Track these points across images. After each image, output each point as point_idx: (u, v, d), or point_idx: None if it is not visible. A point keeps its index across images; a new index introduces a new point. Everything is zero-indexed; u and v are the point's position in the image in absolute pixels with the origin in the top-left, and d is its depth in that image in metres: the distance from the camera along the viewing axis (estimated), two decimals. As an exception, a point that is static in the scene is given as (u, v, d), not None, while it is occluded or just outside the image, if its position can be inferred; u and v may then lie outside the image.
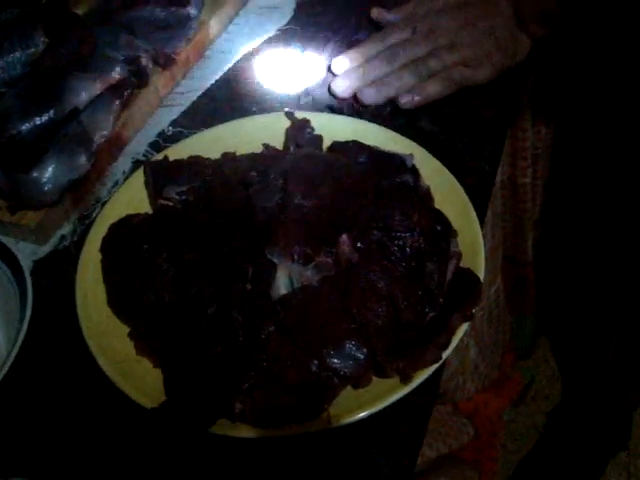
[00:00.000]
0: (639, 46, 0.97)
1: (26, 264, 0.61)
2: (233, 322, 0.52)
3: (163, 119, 0.79)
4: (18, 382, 0.54)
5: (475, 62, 0.77)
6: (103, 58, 0.75)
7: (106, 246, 0.62)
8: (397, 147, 0.67)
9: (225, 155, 0.68)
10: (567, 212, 1.38)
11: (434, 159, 0.66)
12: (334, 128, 0.70)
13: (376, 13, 0.83)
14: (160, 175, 0.65)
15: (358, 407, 0.50)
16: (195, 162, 0.66)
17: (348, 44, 0.83)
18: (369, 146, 0.66)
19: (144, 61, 0.77)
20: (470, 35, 0.77)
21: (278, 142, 0.70)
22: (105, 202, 0.69)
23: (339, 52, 0.81)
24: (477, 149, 0.72)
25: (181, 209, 0.62)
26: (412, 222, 0.56)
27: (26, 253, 0.67)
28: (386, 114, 0.75)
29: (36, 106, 0.69)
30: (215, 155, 0.68)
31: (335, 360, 0.50)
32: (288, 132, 0.70)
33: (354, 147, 0.65)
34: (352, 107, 0.76)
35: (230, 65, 0.86)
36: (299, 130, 0.69)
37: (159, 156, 0.69)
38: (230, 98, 0.81)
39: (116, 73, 0.75)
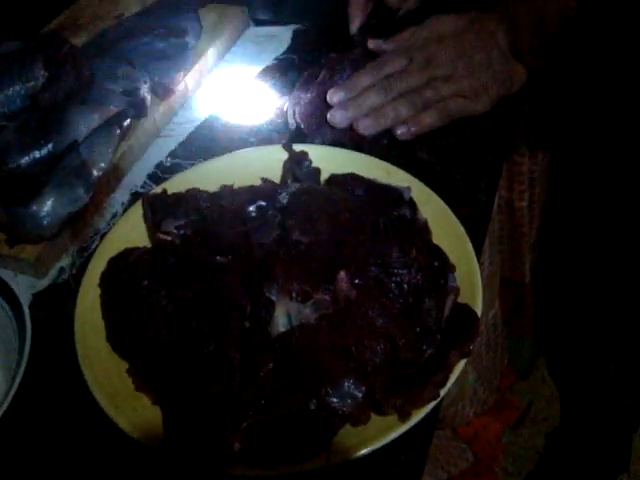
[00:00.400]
0: (633, 70, 0.98)
1: (25, 297, 0.61)
2: (231, 360, 0.52)
3: (161, 150, 0.80)
4: (17, 417, 0.53)
5: (471, 93, 0.77)
6: (102, 90, 0.76)
7: (105, 281, 0.62)
8: (394, 179, 0.67)
9: (223, 188, 0.68)
10: (564, 234, 1.38)
11: (431, 192, 0.66)
12: (332, 160, 0.70)
13: (373, 44, 0.83)
14: (158, 209, 0.66)
15: (357, 445, 0.50)
16: (193, 195, 0.66)
17: (345, 69, 0.83)
18: (366, 179, 0.66)
19: (143, 93, 0.77)
20: (466, 66, 0.78)
21: (276, 174, 0.71)
22: (104, 234, 0.69)
23: (335, 81, 0.81)
24: (473, 180, 0.72)
25: (179, 244, 0.62)
26: (410, 258, 0.56)
27: (25, 286, 0.67)
28: (383, 144, 0.76)
29: (35, 140, 0.69)
30: (213, 187, 0.69)
31: (334, 399, 0.50)
32: (286, 165, 0.70)
33: (352, 180, 0.66)
34: (351, 138, 0.76)
35: (228, 95, 0.87)
36: (297, 163, 0.69)
37: (157, 189, 0.69)
38: (227, 129, 0.82)
39: (115, 105, 0.75)
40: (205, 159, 0.76)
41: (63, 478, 0.54)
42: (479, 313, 0.56)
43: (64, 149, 0.70)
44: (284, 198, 0.62)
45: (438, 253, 0.58)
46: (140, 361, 0.56)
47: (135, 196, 0.74)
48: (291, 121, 0.80)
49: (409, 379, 0.52)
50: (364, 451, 0.50)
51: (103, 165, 0.72)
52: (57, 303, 0.65)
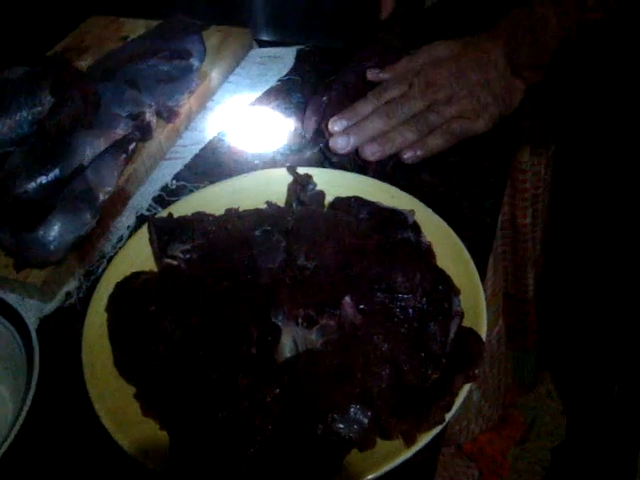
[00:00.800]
0: (632, 84, 0.99)
1: (32, 322, 0.62)
2: (238, 386, 0.52)
3: (166, 173, 0.80)
4: (26, 441, 0.54)
5: (473, 114, 0.78)
6: (107, 114, 0.77)
7: (112, 306, 0.62)
8: (398, 203, 0.68)
9: (228, 211, 0.69)
10: (567, 249, 1.39)
11: (434, 214, 0.67)
12: (336, 183, 0.71)
13: (371, 75, 0.84)
14: (164, 233, 0.66)
15: (363, 470, 0.50)
16: (199, 219, 0.67)
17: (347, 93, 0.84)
18: (371, 202, 0.67)
19: (148, 116, 0.78)
20: (465, 87, 0.79)
21: (281, 197, 0.71)
22: (110, 257, 0.70)
23: (339, 104, 0.82)
24: (477, 201, 0.73)
25: (185, 268, 0.63)
26: (414, 283, 0.56)
27: (32, 310, 0.68)
28: (389, 169, 0.76)
29: (42, 165, 0.70)
30: (218, 211, 0.69)
31: (340, 425, 0.50)
32: (290, 188, 0.71)
33: (356, 203, 0.66)
34: (355, 164, 0.76)
35: (232, 116, 0.87)
36: (302, 186, 0.70)
37: (163, 213, 0.70)
38: (232, 151, 0.83)
39: (120, 129, 0.76)
40: (210, 181, 0.76)
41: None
42: (484, 337, 0.57)
43: (70, 173, 0.71)
44: (289, 222, 0.62)
45: (442, 277, 0.59)
46: (147, 386, 0.57)
47: (141, 219, 0.75)
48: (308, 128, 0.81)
49: (414, 404, 0.52)
50: (371, 476, 0.50)
51: (109, 189, 0.73)
52: (64, 327, 0.66)
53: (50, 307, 0.68)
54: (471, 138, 0.79)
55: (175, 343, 0.57)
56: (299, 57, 0.96)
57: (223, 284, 0.59)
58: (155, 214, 0.73)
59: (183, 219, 0.68)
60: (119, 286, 0.64)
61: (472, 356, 0.55)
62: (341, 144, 0.77)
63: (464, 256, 0.63)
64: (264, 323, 0.54)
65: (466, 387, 0.54)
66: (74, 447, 0.57)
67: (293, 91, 0.90)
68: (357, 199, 0.67)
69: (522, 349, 1.41)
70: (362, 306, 0.55)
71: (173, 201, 0.74)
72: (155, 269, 0.67)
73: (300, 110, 0.86)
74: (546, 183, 1.17)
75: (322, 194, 0.69)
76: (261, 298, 0.56)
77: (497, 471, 1.20)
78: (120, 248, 0.70)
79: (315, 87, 0.88)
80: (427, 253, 0.63)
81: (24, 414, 0.53)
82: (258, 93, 0.90)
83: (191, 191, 0.76)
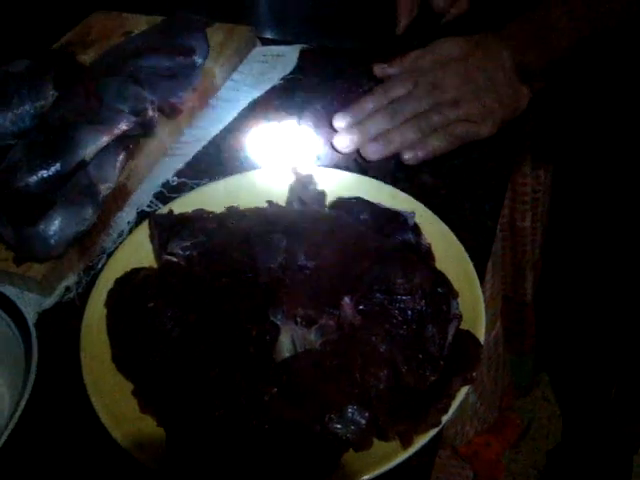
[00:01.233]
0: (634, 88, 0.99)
1: (30, 316, 0.62)
2: (236, 385, 0.52)
3: (167, 169, 0.80)
4: (23, 435, 0.54)
5: (477, 117, 0.78)
6: (110, 110, 0.77)
7: (111, 302, 0.62)
8: (399, 204, 0.68)
9: (229, 209, 0.69)
10: (566, 252, 1.39)
11: (435, 216, 0.67)
12: (338, 184, 0.71)
13: (378, 70, 0.84)
14: (164, 229, 0.66)
15: (359, 471, 0.50)
16: (199, 216, 0.67)
17: (351, 95, 0.84)
18: (372, 203, 0.67)
19: (150, 112, 0.78)
20: (472, 91, 0.78)
21: (282, 196, 0.71)
22: (110, 253, 0.70)
23: (342, 104, 0.82)
24: (478, 204, 0.73)
25: (185, 265, 0.63)
26: (413, 285, 0.56)
27: (31, 304, 0.68)
28: (390, 169, 0.76)
29: (44, 159, 0.70)
30: (219, 208, 0.69)
31: (337, 425, 0.50)
32: (292, 187, 0.71)
33: (357, 204, 0.66)
34: (357, 164, 0.76)
35: (234, 114, 0.87)
36: (303, 186, 0.70)
37: (164, 209, 0.70)
38: (234, 148, 0.83)
39: (123, 124, 0.76)
40: (211, 179, 0.76)
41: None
42: (482, 340, 0.57)
43: (72, 168, 0.71)
44: (290, 222, 0.62)
45: (442, 279, 0.59)
46: (145, 383, 0.57)
47: (141, 215, 0.75)
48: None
49: (412, 405, 0.53)
50: (366, 477, 0.50)
51: (110, 184, 0.73)
52: (62, 322, 0.66)
53: (49, 301, 0.68)
54: (474, 140, 0.79)
55: (173, 340, 0.57)
56: (302, 56, 0.96)
57: (222, 282, 0.59)
58: (156, 210, 0.73)
59: (184, 216, 0.68)
60: (118, 282, 0.64)
61: (470, 359, 0.55)
62: (344, 143, 0.77)
63: (463, 259, 0.63)
64: (263, 322, 0.54)
65: (463, 390, 0.54)
66: (71, 442, 0.57)
67: (296, 90, 0.90)
68: (358, 200, 0.67)
69: (519, 352, 1.41)
70: (361, 307, 0.55)
71: (174, 198, 0.74)
72: (154, 265, 0.67)
73: (303, 109, 0.85)
74: (546, 186, 1.17)
75: (323, 194, 0.69)
76: (260, 297, 0.56)
77: (492, 473, 1.20)
78: (120, 243, 0.70)
79: (317, 87, 0.88)
80: (427, 255, 0.63)
81: (22, 407, 0.53)
82: (261, 91, 0.90)
83: (192, 188, 0.76)
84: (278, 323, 0.54)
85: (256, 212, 0.67)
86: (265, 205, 0.69)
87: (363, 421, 0.51)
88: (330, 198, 0.70)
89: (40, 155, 0.70)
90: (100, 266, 0.70)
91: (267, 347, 0.54)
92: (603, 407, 1.44)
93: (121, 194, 0.75)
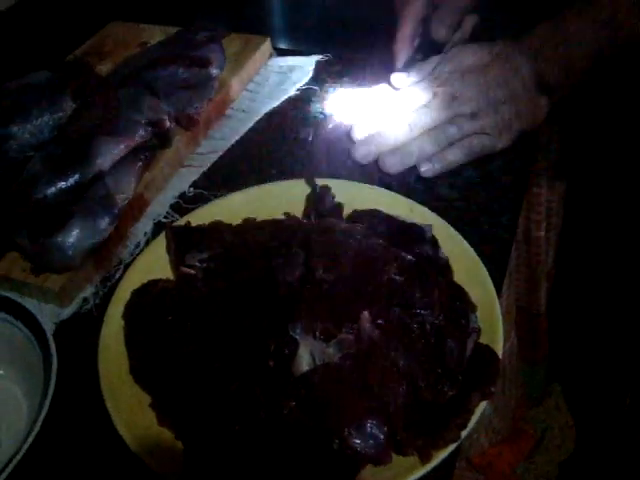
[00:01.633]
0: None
1: (48, 327, 0.62)
2: (255, 399, 0.52)
3: (184, 180, 0.80)
4: (42, 447, 0.54)
5: (495, 131, 0.77)
6: (127, 121, 0.77)
7: (129, 314, 0.63)
8: (416, 216, 0.68)
9: (246, 221, 0.69)
10: (580, 261, 1.38)
11: (452, 229, 0.67)
12: (354, 196, 0.71)
13: (396, 80, 0.83)
14: (182, 241, 0.66)
15: (378, 486, 0.50)
16: (216, 229, 0.67)
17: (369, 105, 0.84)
18: (389, 215, 0.67)
19: (167, 124, 0.78)
20: (491, 103, 0.78)
21: (299, 208, 0.71)
22: (127, 264, 0.70)
23: (360, 112, 0.82)
24: (494, 216, 0.73)
25: (203, 278, 0.63)
26: (432, 299, 0.56)
27: (48, 315, 0.68)
28: (407, 180, 0.76)
29: (61, 170, 0.70)
30: (236, 220, 0.70)
31: (356, 440, 0.50)
32: (309, 199, 0.71)
33: (374, 217, 0.66)
34: (375, 175, 0.76)
35: (250, 125, 0.88)
36: (320, 198, 0.70)
37: (181, 221, 0.70)
38: (250, 159, 0.83)
39: (139, 136, 0.76)
40: (228, 190, 0.76)
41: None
42: (500, 354, 0.56)
43: (89, 179, 0.71)
44: (307, 234, 0.62)
45: (460, 293, 0.59)
46: (163, 395, 0.57)
47: (158, 226, 0.75)
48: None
49: (430, 420, 0.53)
50: (385, 492, 0.50)
51: (127, 195, 0.73)
52: (80, 333, 0.66)
53: (67, 312, 0.68)
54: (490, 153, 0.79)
55: (191, 353, 0.57)
56: (318, 67, 0.96)
57: (241, 295, 0.59)
58: (173, 222, 0.73)
59: (201, 228, 0.68)
60: (136, 293, 0.64)
61: (488, 374, 0.55)
62: (362, 153, 0.77)
63: (481, 272, 0.63)
64: (282, 336, 0.54)
65: (482, 405, 0.54)
66: (89, 453, 0.57)
67: (312, 101, 0.90)
68: (375, 212, 0.67)
69: (532, 362, 1.41)
70: (380, 321, 0.55)
71: (191, 209, 0.74)
72: (171, 276, 0.67)
73: (320, 120, 0.85)
74: (560, 196, 1.17)
75: (340, 206, 0.69)
76: (279, 311, 0.56)
77: (506, 485, 1.20)
78: (137, 255, 0.70)
79: (334, 98, 0.88)
80: (444, 268, 0.63)
81: (42, 418, 0.53)
82: (277, 102, 0.90)
83: (209, 199, 0.76)
84: (297, 337, 0.54)
85: (273, 224, 0.67)
86: (282, 217, 0.69)
87: (382, 436, 0.51)
88: (347, 210, 0.70)
89: (58, 167, 0.71)
90: (117, 277, 0.70)
91: (286, 361, 0.54)
92: (617, 416, 1.43)
93: (138, 205, 0.76)
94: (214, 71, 0.88)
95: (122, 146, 0.74)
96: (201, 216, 0.70)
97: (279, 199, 0.72)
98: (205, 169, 0.82)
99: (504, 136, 0.78)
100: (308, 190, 0.72)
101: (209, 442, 0.53)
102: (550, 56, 0.77)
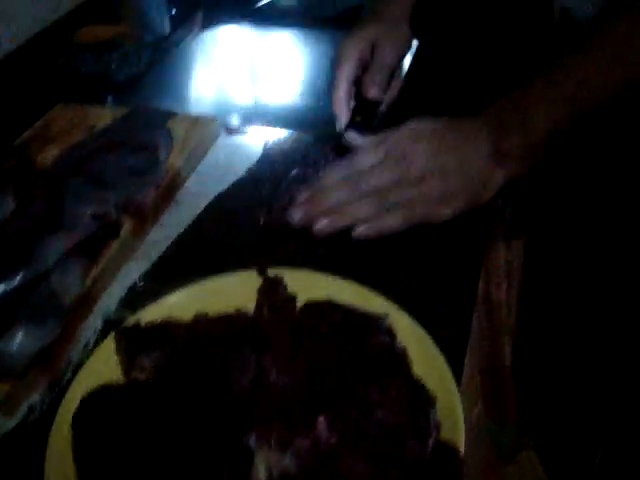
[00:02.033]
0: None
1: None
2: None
3: (133, 271, 0.78)
4: None
5: (439, 200, 0.76)
6: (71, 215, 0.75)
7: (77, 425, 0.60)
8: (372, 305, 0.66)
9: (197, 318, 0.67)
10: (542, 315, 1.38)
11: (408, 317, 0.65)
12: (307, 285, 0.69)
13: (349, 138, 0.82)
14: (131, 343, 0.64)
15: None
16: (166, 328, 0.65)
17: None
18: (343, 306, 0.65)
19: (114, 215, 0.77)
20: (440, 171, 0.76)
21: (251, 301, 0.69)
22: (76, 366, 0.68)
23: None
24: (450, 299, 0.72)
25: (153, 383, 0.61)
26: (389, 398, 0.55)
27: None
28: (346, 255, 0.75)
29: (3, 273, 0.68)
30: (187, 315, 0.67)
31: None
32: (261, 292, 0.69)
33: (328, 308, 0.65)
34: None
35: (200, 210, 0.86)
36: (272, 289, 0.68)
37: (130, 320, 0.68)
38: (201, 246, 0.81)
39: (84, 229, 0.74)
40: (179, 280, 0.74)
41: None
42: (462, 451, 0.55)
43: (34, 279, 0.69)
44: (259, 334, 0.61)
45: (418, 389, 0.57)
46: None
47: (108, 324, 0.72)
48: None
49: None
50: None
51: (74, 293, 0.71)
52: (25, 445, 0.63)
53: (10, 424, 0.65)
54: (443, 225, 0.77)
55: (143, 465, 0.54)
56: (267, 146, 0.95)
57: (193, 402, 0.57)
58: (122, 318, 0.70)
59: (150, 327, 0.66)
60: (84, 402, 0.62)
61: (450, 473, 0.54)
62: (297, 216, 0.76)
63: (440, 364, 0.61)
64: (236, 447, 0.52)
65: (444, 506, 0.52)
66: None
67: (261, 182, 0.89)
68: (329, 303, 0.65)
69: (500, 420, 1.39)
70: (336, 425, 0.53)
71: (141, 302, 0.72)
72: (122, 378, 0.65)
73: (270, 202, 0.85)
74: (519, 255, 1.17)
75: (293, 299, 0.68)
76: (233, 418, 0.54)
77: None
78: (86, 357, 0.67)
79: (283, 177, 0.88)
80: (402, 359, 0.61)
81: None
82: (227, 184, 0.89)
83: (159, 292, 0.73)
84: (252, 447, 0.52)
85: (225, 321, 0.65)
86: (234, 311, 0.67)
87: None
88: (301, 300, 0.68)
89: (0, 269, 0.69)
90: (65, 380, 0.67)
91: (241, 474, 0.52)
92: (589, 472, 1.41)
93: (86, 302, 0.73)
94: (161, 155, 0.88)
95: (66, 242, 0.73)
96: (151, 313, 0.68)
97: (230, 293, 0.69)
98: (155, 259, 0.79)
99: (448, 207, 0.76)
100: (260, 281, 0.70)
101: None
102: (508, 124, 0.76)
